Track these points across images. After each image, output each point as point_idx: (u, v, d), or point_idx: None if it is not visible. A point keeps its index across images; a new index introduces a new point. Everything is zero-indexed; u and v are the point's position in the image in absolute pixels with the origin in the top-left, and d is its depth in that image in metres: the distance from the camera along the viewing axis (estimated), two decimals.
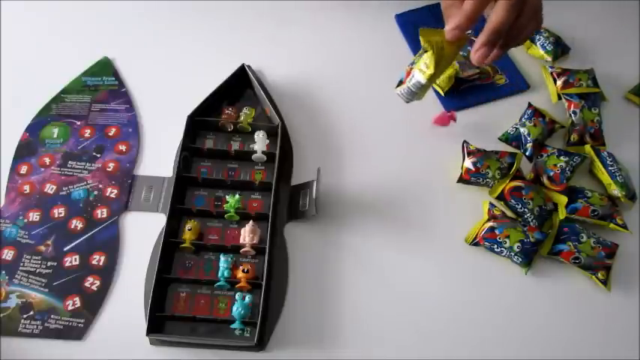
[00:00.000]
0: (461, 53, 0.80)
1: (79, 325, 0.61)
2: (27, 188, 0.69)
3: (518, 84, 0.79)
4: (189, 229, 0.65)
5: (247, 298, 0.62)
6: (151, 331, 0.59)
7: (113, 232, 0.67)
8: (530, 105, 0.75)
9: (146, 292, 0.62)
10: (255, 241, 0.64)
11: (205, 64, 0.79)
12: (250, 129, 0.73)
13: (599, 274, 0.64)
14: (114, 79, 0.78)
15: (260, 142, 0.71)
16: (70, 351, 0.60)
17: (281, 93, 0.77)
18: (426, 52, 0.58)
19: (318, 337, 0.62)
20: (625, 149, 0.74)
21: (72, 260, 0.65)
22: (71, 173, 0.71)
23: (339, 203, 0.70)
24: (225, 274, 0.63)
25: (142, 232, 0.67)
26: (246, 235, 0.64)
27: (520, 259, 0.64)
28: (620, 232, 0.67)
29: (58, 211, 0.68)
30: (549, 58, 0.80)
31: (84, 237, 0.66)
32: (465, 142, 0.72)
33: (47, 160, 0.71)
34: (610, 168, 0.69)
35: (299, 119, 0.76)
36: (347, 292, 0.64)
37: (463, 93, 0.78)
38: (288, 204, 0.69)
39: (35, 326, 0.61)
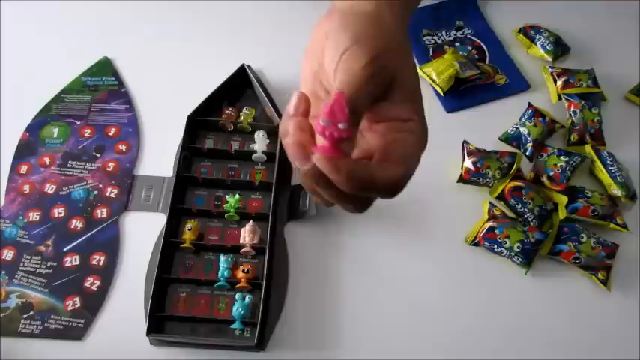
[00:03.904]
0: (461, 53, 0.81)
1: (79, 325, 0.61)
2: (27, 188, 0.69)
3: (519, 84, 0.79)
4: (189, 229, 0.65)
5: (247, 298, 0.62)
6: (150, 331, 0.59)
7: (113, 232, 0.67)
8: (530, 105, 0.75)
9: (146, 292, 0.62)
10: (255, 241, 0.64)
11: (205, 64, 0.79)
12: (250, 129, 0.73)
13: (599, 274, 0.64)
14: (114, 79, 0.78)
15: (260, 142, 0.71)
16: (70, 351, 0.60)
17: (281, 93, 0.77)
18: None
19: (318, 337, 0.62)
20: (625, 149, 0.74)
21: (72, 260, 0.65)
22: (71, 173, 0.71)
23: None
24: (225, 274, 0.63)
25: (142, 232, 0.67)
26: (246, 235, 0.64)
27: (520, 259, 0.64)
28: (620, 232, 0.67)
29: (58, 211, 0.68)
30: (549, 58, 0.80)
31: (84, 237, 0.66)
32: (465, 142, 0.72)
33: (47, 160, 0.71)
34: (610, 168, 0.69)
35: None
36: (347, 292, 0.64)
37: (463, 93, 0.78)
38: (288, 204, 0.69)
39: (35, 326, 0.61)
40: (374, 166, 0.34)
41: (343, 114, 0.31)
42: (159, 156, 0.72)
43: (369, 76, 0.33)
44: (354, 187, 0.32)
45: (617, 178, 0.68)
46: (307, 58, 0.38)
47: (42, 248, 0.66)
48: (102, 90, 0.77)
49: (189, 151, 0.71)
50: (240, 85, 0.76)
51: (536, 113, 0.74)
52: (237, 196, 0.67)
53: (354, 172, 0.32)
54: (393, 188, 0.35)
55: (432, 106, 0.77)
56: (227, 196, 0.67)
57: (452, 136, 0.73)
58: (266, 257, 0.63)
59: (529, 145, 0.72)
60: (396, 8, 0.38)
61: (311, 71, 0.38)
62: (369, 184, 0.33)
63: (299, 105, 0.33)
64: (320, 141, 0.31)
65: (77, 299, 0.63)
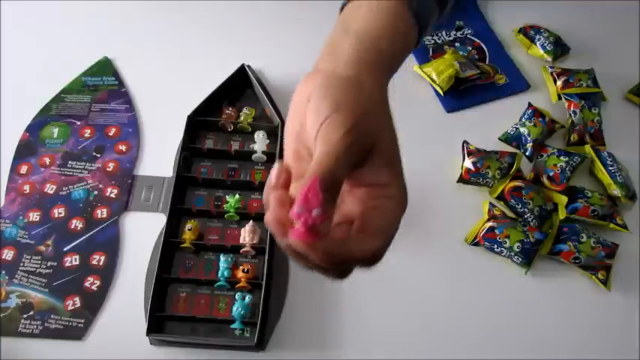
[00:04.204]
0: (461, 53, 0.81)
1: (79, 325, 0.61)
2: (27, 188, 0.69)
3: (519, 84, 0.79)
4: (189, 229, 0.65)
5: (247, 298, 0.62)
6: (151, 331, 0.59)
7: (113, 232, 0.67)
8: (530, 105, 0.75)
9: (146, 292, 0.62)
10: (255, 241, 0.64)
11: (205, 64, 0.79)
12: (250, 129, 0.73)
13: (599, 274, 0.64)
14: (114, 79, 0.78)
15: (260, 142, 0.71)
16: (70, 351, 0.60)
17: (281, 93, 0.77)
18: None
19: (318, 337, 0.62)
20: (625, 149, 0.73)
21: (72, 260, 0.65)
22: (71, 173, 0.71)
23: None
24: (225, 274, 0.63)
25: (142, 232, 0.67)
26: (246, 235, 0.64)
27: (520, 259, 0.64)
28: (620, 232, 0.67)
29: (58, 211, 0.68)
30: (549, 58, 0.80)
31: (84, 237, 0.66)
32: (465, 142, 0.72)
33: (47, 160, 0.71)
34: (610, 168, 0.69)
35: None
36: (347, 292, 0.64)
37: (463, 93, 0.78)
38: None
39: (35, 326, 0.61)
40: (351, 242, 0.34)
41: (317, 200, 0.30)
42: (159, 156, 0.72)
43: (347, 146, 0.33)
44: (332, 264, 0.33)
45: (617, 178, 0.68)
46: (291, 116, 0.38)
47: (42, 248, 0.66)
48: (102, 90, 0.77)
49: (189, 151, 0.71)
50: (240, 85, 0.76)
51: (536, 113, 0.74)
52: (237, 196, 0.67)
53: (330, 250, 0.32)
54: (370, 260, 0.35)
55: (432, 106, 0.77)
56: (227, 196, 0.67)
57: (452, 136, 0.73)
58: (266, 257, 0.63)
59: (529, 145, 0.72)
60: (377, 72, 0.38)
61: (294, 130, 0.37)
62: (346, 260, 0.33)
63: (280, 176, 0.33)
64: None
65: (77, 299, 0.63)
